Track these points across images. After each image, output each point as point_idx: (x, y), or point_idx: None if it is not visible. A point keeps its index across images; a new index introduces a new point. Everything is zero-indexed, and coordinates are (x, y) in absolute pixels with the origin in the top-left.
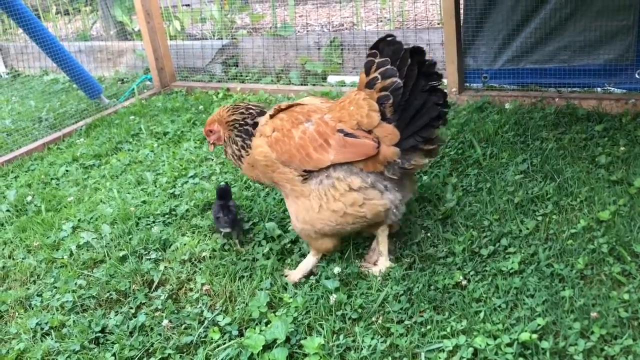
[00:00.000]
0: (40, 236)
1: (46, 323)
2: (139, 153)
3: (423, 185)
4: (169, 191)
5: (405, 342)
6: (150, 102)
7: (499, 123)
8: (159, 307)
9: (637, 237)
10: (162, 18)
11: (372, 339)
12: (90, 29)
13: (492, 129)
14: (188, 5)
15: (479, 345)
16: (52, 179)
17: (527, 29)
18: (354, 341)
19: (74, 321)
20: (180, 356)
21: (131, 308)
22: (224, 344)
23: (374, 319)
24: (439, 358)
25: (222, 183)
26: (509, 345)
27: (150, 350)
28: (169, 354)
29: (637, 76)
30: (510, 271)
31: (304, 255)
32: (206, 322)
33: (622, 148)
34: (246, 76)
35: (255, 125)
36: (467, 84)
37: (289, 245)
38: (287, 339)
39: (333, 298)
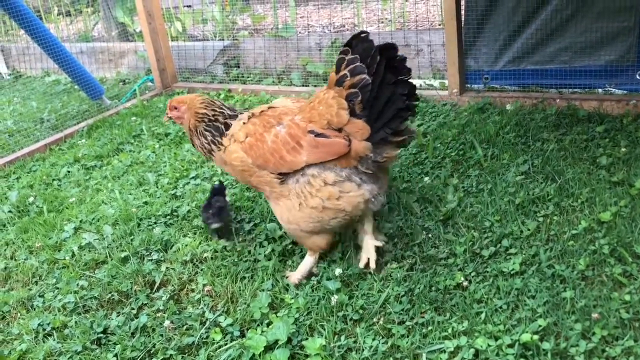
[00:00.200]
0: (42, 237)
1: (48, 324)
2: (140, 154)
3: (424, 187)
4: (171, 192)
5: (407, 343)
6: (151, 103)
7: (500, 124)
8: (161, 307)
9: (638, 238)
10: (163, 19)
11: (374, 339)
12: (91, 30)
13: (493, 130)
14: (189, 6)
15: (480, 346)
16: (53, 179)
17: (528, 30)
18: (355, 342)
19: (75, 322)
20: (182, 357)
21: (133, 309)
22: (226, 344)
23: (375, 320)
24: (440, 359)
25: (217, 182)
26: (510, 346)
27: (152, 351)
28: (171, 355)
29: (638, 77)
30: (512, 272)
31: (305, 256)
32: (208, 322)
33: (623, 149)
34: (247, 77)
35: (226, 125)
36: (468, 85)
37: (290, 246)
38: (289, 340)
39: (334, 299)
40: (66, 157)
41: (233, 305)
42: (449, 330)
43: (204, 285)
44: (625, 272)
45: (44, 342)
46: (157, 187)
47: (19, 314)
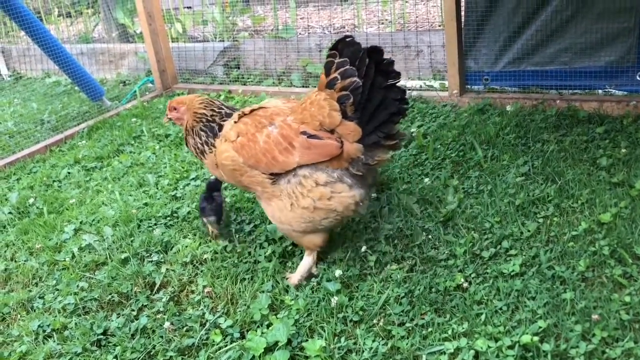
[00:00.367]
0: (42, 238)
1: (48, 325)
2: (140, 155)
3: (424, 188)
4: (171, 193)
5: (407, 344)
6: (152, 105)
7: (500, 125)
8: (161, 309)
9: (638, 239)
10: (163, 20)
11: (374, 341)
12: (92, 31)
13: (493, 131)
14: (190, 7)
15: (480, 348)
16: (54, 181)
17: (528, 31)
18: (355, 344)
19: (75, 323)
20: (182, 358)
21: (133, 310)
22: (226, 346)
23: (375, 321)
24: None
25: (212, 177)
26: (510, 347)
27: (152, 353)
28: (171, 357)
29: (638, 78)
30: (512, 273)
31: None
32: (208, 324)
33: (623, 150)
34: (248, 78)
35: (220, 127)
36: (468, 86)
37: (290, 247)
38: (289, 342)
39: (334, 300)
40: (66, 158)
41: (233, 307)
42: (449, 332)
43: (204, 286)
44: (626, 273)
45: (44, 343)
46: (157, 188)
47: (19, 316)
